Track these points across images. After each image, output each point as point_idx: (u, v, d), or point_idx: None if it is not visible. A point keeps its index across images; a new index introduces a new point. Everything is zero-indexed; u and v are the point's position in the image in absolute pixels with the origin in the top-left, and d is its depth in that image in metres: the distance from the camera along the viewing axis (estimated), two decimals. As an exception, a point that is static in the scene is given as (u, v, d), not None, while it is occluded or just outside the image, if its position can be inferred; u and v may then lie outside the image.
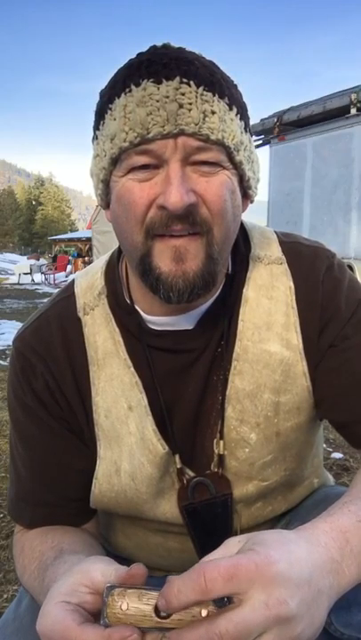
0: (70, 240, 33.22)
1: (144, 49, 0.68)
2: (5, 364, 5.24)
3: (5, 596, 1.73)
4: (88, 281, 0.84)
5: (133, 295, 0.78)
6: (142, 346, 0.77)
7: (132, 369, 0.77)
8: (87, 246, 25.06)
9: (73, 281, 0.86)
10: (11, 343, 0.89)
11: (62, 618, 0.52)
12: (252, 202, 0.77)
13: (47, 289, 16.85)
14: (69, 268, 22.29)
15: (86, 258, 21.57)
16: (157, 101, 0.63)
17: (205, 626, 0.46)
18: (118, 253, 0.83)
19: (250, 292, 0.78)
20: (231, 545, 0.53)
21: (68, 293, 0.84)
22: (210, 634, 0.46)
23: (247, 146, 0.71)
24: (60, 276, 20.58)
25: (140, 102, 0.63)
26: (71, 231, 67.92)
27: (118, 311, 0.79)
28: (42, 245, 72.67)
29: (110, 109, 0.67)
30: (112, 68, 0.69)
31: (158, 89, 0.63)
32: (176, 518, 0.79)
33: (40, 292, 16.02)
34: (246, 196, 0.74)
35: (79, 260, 21.55)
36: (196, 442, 0.78)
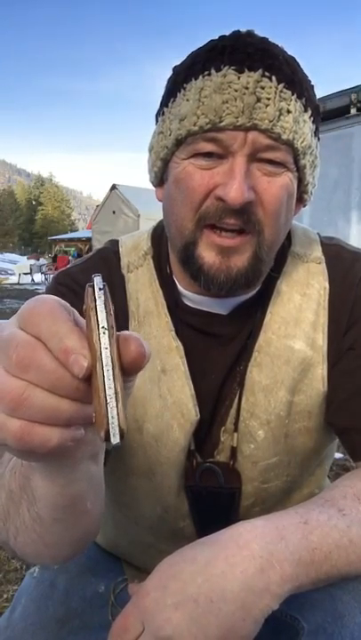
0: (70, 240, 33.22)
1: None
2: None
3: (5, 596, 1.73)
4: (133, 241, 0.82)
5: (173, 268, 0.77)
6: (177, 315, 0.76)
7: (174, 333, 0.75)
8: (87, 246, 25.08)
9: (115, 241, 0.84)
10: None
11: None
12: (304, 206, 0.76)
13: (47, 289, 16.80)
14: (69, 267, 22.21)
15: (86, 258, 21.51)
16: (236, 91, 0.62)
17: None
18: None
19: (283, 285, 0.77)
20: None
21: (114, 249, 0.81)
22: None
23: (313, 150, 0.70)
24: (60, 276, 20.52)
25: (218, 89, 0.62)
26: (71, 231, 68.04)
27: (160, 276, 0.78)
28: (42, 245, 72.74)
29: (184, 89, 0.66)
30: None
31: (239, 78, 0.62)
32: (175, 498, 0.77)
33: (40, 292, 15.92)
34: (301, 199, 0.73)
35: (79, 260, 21.48)
36: (206, 427, 0.77)
